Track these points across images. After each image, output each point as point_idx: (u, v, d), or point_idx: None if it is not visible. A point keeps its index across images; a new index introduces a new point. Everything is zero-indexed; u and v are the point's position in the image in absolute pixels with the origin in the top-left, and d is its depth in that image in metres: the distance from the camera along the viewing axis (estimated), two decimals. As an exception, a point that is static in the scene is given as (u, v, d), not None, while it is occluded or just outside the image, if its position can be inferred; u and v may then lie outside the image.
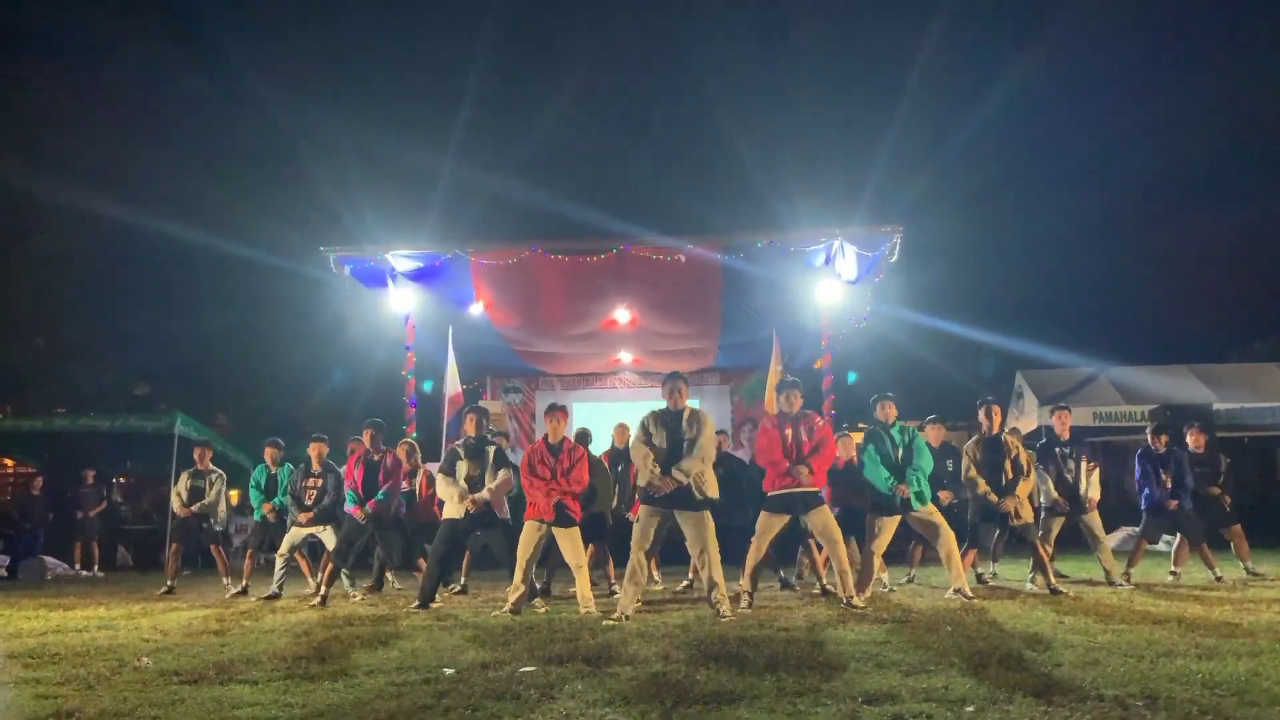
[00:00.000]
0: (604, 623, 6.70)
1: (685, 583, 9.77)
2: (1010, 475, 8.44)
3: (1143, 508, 9.66)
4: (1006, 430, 9.25)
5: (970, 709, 3.76)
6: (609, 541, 9.85)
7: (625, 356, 18.39)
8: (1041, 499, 9.14)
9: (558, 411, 8.19)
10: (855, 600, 7.30)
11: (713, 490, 7.22)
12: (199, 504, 10.83)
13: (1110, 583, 8.75)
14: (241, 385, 24.66)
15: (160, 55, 27.53)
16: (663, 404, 7.52)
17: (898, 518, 7.94)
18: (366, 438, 9.54)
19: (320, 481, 9.67)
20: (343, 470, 9.58)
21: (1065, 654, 4.87)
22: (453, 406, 15.22)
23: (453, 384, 15.31)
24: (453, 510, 8.19)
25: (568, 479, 7.78)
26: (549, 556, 9.00)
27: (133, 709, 4.10)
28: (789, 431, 7.55)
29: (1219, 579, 9.07)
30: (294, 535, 9.67)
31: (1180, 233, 26.55)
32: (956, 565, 7.87)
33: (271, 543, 10.57)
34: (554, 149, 30.36)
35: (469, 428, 8.44)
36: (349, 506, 9.34)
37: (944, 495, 8.96)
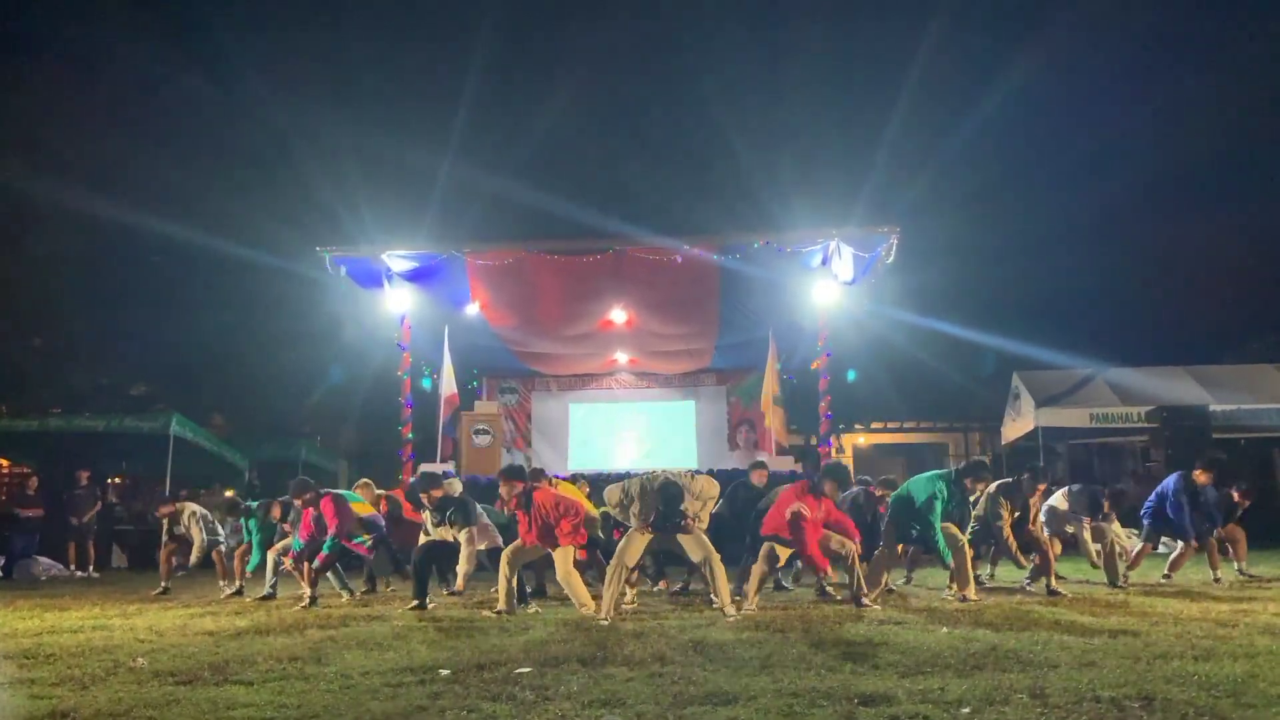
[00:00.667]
0: (596, 621, 6.74)
1: (680, 584, 9.77)
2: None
3: (1142, 515, 9.68)
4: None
5: (966, 710, 3.76)
6: (601, 546, 9.85)
7: (622, 357, 18.38)
8: (1043, 513, 9.11)
9: (513, 480, 8.06)
10: (865, 600, 7.47)
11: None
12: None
13: (1111, 585, 8.75)
14: (238, 386, 24.60)
15: (156, 55, 27.46)
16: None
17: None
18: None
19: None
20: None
21: (1061, 655, 4.87)
22: (448, 407, 15.22)
23: (448, 384, 15.30)
24: (437, 535, 8.53)
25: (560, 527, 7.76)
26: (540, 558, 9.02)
27: (128, 709, 4.09)
28: (819, 514, 7.63)
29: (1217, 580, 9.08)
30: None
31: (1177, 234, 26.55)
32: (968, 572, 7.93)
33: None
34: (550, 149, 30.33)
35: (426, 501, 8.66)
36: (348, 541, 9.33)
37: None
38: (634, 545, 7.36)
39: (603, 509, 9.50)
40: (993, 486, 8.59)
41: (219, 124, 29.10)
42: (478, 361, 18.48)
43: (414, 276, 14.13)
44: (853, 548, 7.64)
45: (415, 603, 8.10)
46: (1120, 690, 4.02)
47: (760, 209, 24.63)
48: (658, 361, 18.61)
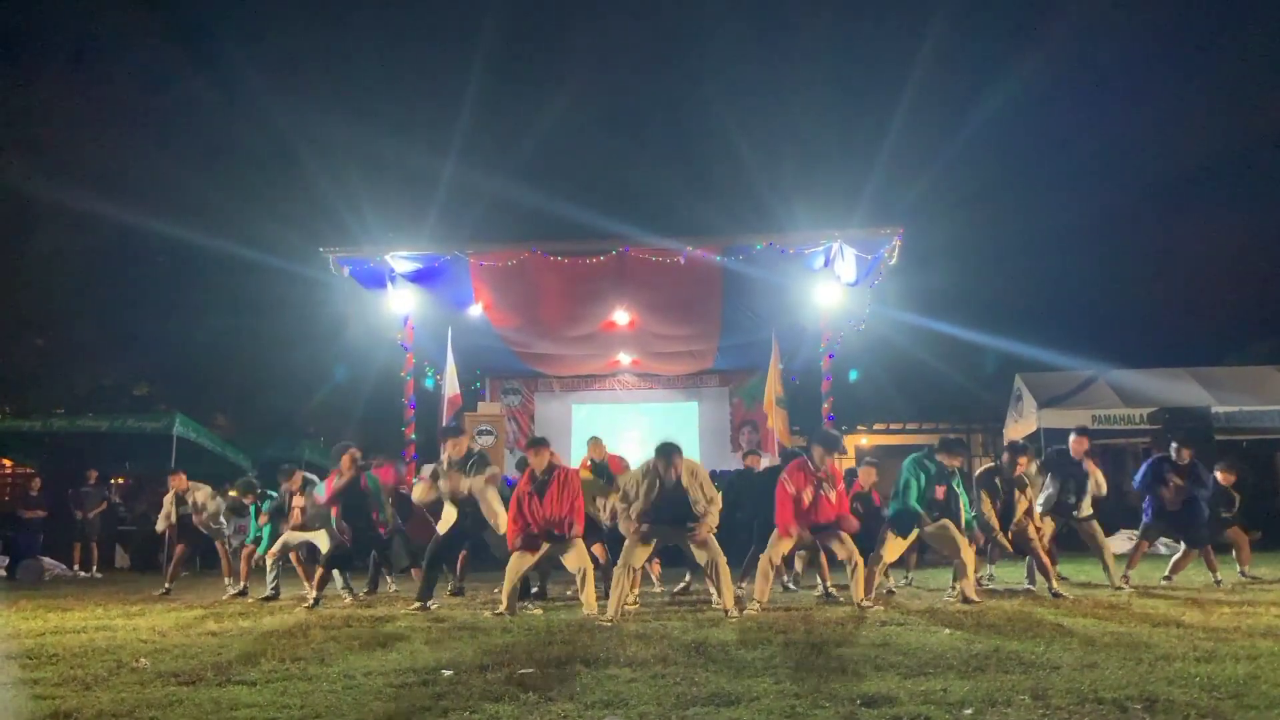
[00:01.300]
0: (598, 622, 6.74)
1: (683, 584, 9.77)
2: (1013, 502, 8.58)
3: (1145, 510, 9.68)
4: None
5: (969, 711, 3.76)
6: (605, 544, 9.85)
7: (624, 358, 18.39)
8: (1040, 502, 9.12)
9: (541, 448, 8.12)
10: (864, 601, 7.49)
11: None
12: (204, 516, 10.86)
13: (1113, 586, 8.74)
14: (241, 386, 24.66)
15: (159, 55, 27.53)
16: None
17: (908, 541, 8.12)
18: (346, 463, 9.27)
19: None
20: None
21: (1063, 656, 4.87)
22: (451, 408, 15.21)
23: (451, 385, 15.30)
24: (450, 517, 8.32)
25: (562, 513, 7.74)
26: (542, 560, 9.02)
27: (130, 710, 4.10)
28: (808, 493, 7.65)
29: (1218, 582, 9.07)
30: (288, 538, 9.66)
31: (1179, 235, 26.55)
32: (970, 573, 7.89)
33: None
34: (553, 150, 30.36)
35: (452, 451, 8.44)
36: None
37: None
38: (640, 547, 7.36)
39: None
40: (979, 473, 8.67)
41: (223, 125, 29.15)
42: (481, 362, 18.48)
43: (417, 277, 14.13)
44: (855, 553, 7.63)
45: (418, 604, 8.08)
46: (1122, 692, 4.02)
47: (763, 210, 24.68)
48: (660, 363, 18.61)
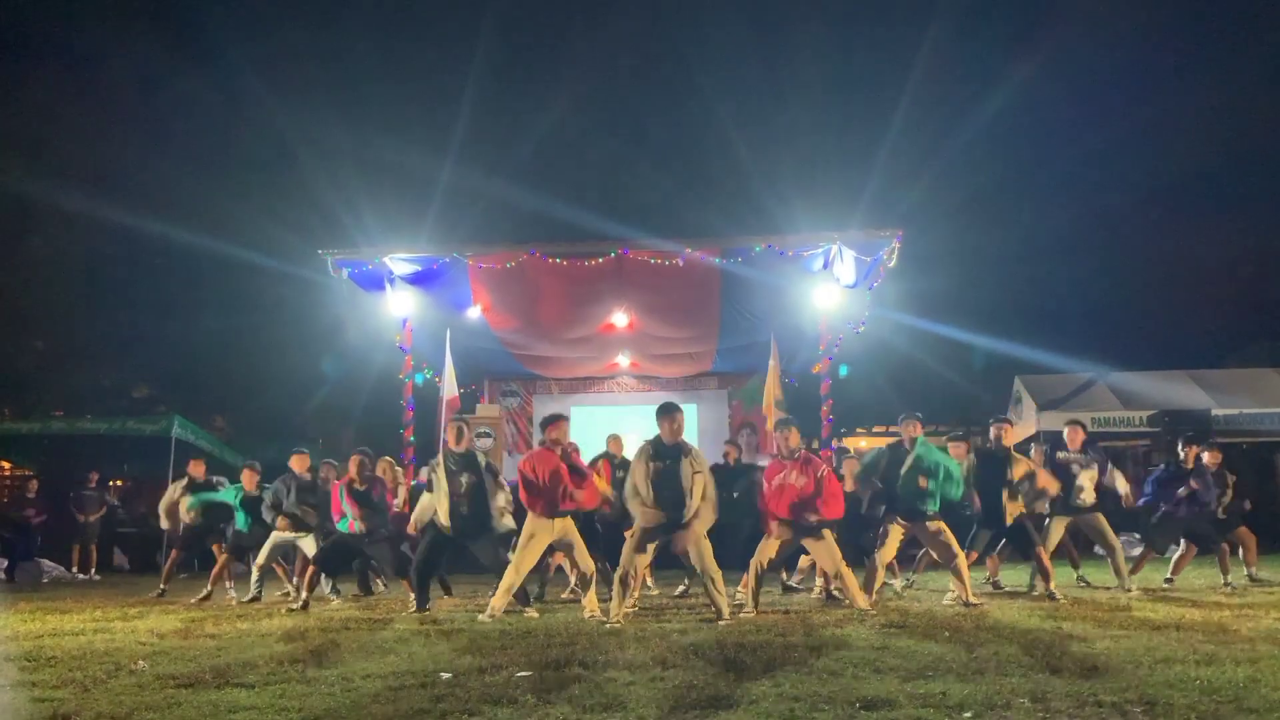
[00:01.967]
0: (604, 626, 6.71)
1: (681, 588, 9.76)
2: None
3: (1153, 518, 9.68)
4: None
5: (968, 715, 3.76)
6: (601, 547, 9.85)
7: (623, 360, 18.37)
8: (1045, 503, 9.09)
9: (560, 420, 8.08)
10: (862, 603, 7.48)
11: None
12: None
13: (1123, 588, 8.70)
14: (239, 388, 24.60)
15: (159, 57, 27.56)
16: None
17: (903, 529, 8.04)
18: (353, 466, 9.29)
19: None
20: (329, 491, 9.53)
21: (1063, 660, 4.86)
22: (450, 410, 15.20)
23: (450, 387, 15.29)
24: (442, 519, 8.15)
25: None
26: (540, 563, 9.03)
27: (129, 712, 4.10)
28: (793, 476, 7.60)
29: (1228, 584, 9.06)
30: (275, 540, 9.63)
31: (1179, 238, 26.58)
32: (965, 577, 7.86)
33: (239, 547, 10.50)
34: (552, 152, 30.39)
35: (452, 441, 8.35)
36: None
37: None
38: (642, 549, 7.25)
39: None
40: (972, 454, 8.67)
41: (222, 127, 29.19)
42: (479, 364, 18.46)
43: (416, 280, 14.13)
44: (839, 562, 7.59)
45: (415, 607, 8.10)
46: (1122, 695, 4.02)
47: (762, 212, 24.70)
48: (659, 365, 18.59)
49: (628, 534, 7.44)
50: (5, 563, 14.12)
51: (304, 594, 8.83)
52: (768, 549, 7.68)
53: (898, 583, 9.44)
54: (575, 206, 19.53)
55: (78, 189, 21.87)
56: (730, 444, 11.02)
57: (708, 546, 7.20)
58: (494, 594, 7.67)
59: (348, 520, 9.06)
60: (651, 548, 7.26)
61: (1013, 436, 9.01)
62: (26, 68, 24.95)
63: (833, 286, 13.80)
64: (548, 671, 4.85)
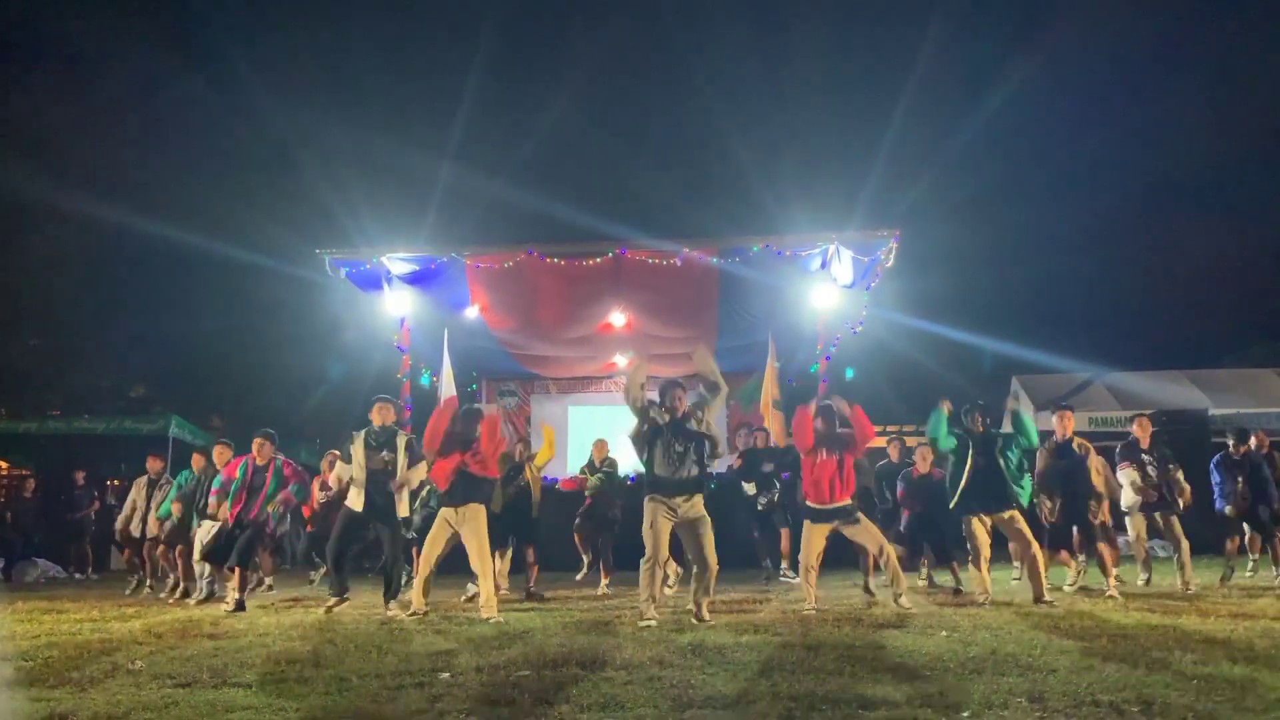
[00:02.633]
0: (640, 623, 6.63)
1: (676, 587, 9.75)
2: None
3: (1218, 509, 9.69)
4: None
5: (965, 714, 3.76)
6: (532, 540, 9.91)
7: (621, 360, 18.35)
8: (1122, 501, 9.06)
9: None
10: (903, 600, 7.41)
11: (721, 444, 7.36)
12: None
13: (1185, 587, 8.61)
14: (237, 388, 24.60)
15: (157, 57, 27.52)
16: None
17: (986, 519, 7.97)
18: (255, 449, 9.26)
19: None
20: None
21: (1060, 660, 4.86)
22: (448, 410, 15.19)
23: (448, 387, 15.28)
24: (354, 502, 8.09)
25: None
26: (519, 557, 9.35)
27: (126, 712, 4.09)
28: (831, 459, 7.64)
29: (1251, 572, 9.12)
30: (205, 534, 9.50)
31: (1177, 238, 26.63)
32: (1039, 571, 7.79)
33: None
34: (550, 152, 30.38)
35: (375, 417, 8.28)
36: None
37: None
38: (663, 537, 6.93)
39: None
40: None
41: (219, 126, 29.16)
42: (477, 364, 18.45)
43: (414, 279, 14.11)
44: (891, 551, 7.59)
45: (334, 600, 8.05)
46: (1119, 694, 4.02)
47: (760, 212, 24.72)
48: (657, 364, 18.51)
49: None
50: (2, 562, 14.12)
51: (236, 593, 8.72)
52: (813, 542, 7.65)
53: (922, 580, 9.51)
54: (573, 206, 19.50)
55: (76, 188, 21.88)
56: (759, 430, 11.07)
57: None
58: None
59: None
60: (670, 526, 6.99)
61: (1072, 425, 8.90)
62: (26, 67, 24.94)
63: (830, 286, 13.79)
64: (546, 671, 4.84)
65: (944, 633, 5.98)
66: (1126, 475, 8.94)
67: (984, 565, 7.93)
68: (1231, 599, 7.90)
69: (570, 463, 18.08)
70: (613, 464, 10.74)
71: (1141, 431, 9.26)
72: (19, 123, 23.26)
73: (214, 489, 9.29)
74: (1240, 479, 9.48)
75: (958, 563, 9.08)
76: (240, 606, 8.47)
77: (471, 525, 7.67)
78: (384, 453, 8.13)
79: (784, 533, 9.94)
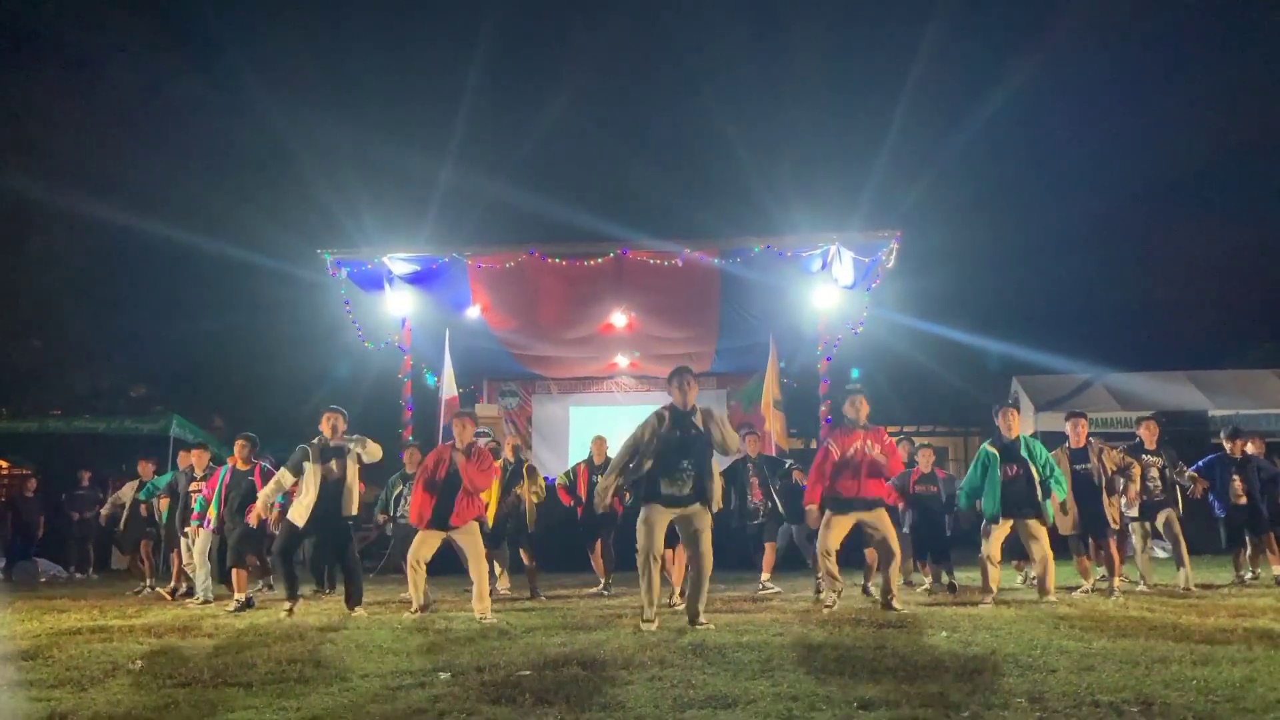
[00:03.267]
0: (641, 624, 6.48)
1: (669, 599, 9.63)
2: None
3: (1218, 515, 9.71)
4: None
5: (965, 714, 3.76)
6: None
7: (622, 360, 18.37)
8: (1122, 505, 9.05)
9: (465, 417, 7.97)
10: (895, 603, 7.28)
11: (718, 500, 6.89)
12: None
13: (1185, 587, 8.60)
14: (238, 388, 24.61)
15: (157, 57, 27.54)
16: (657, 406, 7.36)
17: (1008, 524, 7.92)
18: (238, 450, 9.27)
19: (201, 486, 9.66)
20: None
21: (1060, 660, 4.86)
22: (449, 410, 15.21)
23: (449, 387, 15.30)
24: (296, 515, 8.01)
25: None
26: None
27: (126, 712, 4.09)
28: (854, 450, 7.52)
29: (1255, 576, 9.11)
30: (203, 547, 9.53)
31: (1178, 239, 26.62)
32: (1050, 574, 7.78)
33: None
34: (552, 153, 30.38)
35: (327, 431, 8.16)
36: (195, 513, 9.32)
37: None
38: (657, 531, 6.59)
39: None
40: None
41: (220, 126, 29.18)
42: (478, 364, 18.46)
43: (415, 279, 14.14)
44: (896, 549, 7.46)
45: (288, 605, 7.95)
46: (1119, 695, 4.02)
47: (761, 213, 24.70)
48: (658, 365, 18.55)
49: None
50: (3, 562, 14.13)
51: (239, 595, 8.75)
52: (832, 534, 7.51)
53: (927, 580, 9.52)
54: (574, 207, 19.50)
55: (76, 188, 21.90)
56: (751, 434, 11.00)
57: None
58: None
59: (202, 504, 9.18)
60: (666, 520, 6.69)
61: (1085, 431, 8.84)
62: (25, 67, 24.95)
63: (831, 287, 13.82)
64: (546, 671, 4.84)
65: (944, 633, 5.98)
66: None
67: (996, 568, 7.94)
68: (1231, 599, 7.90)
69: (571, 464, 18.08)
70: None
71: (1148, 434, 9.28)
72: (19, 122, 23.28)
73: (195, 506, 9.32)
74: (1238, 479, 9.48)
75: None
76: (246, 604, 8.54)
77: (467, 540, 7.66)
78: (332, 463, 8.03)
79: (769, 546, 9.80)
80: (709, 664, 4.95)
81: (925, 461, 9.58)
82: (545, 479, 11.01)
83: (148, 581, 11.05)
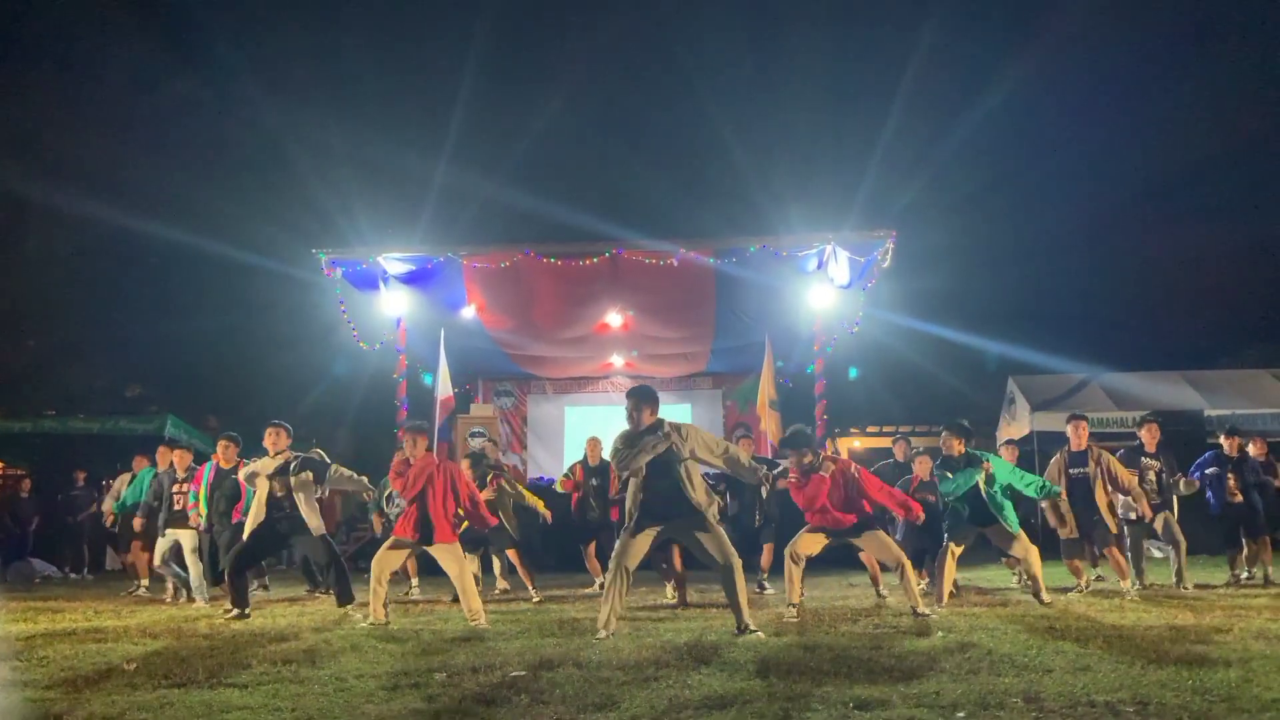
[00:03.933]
0: (596, 635, 6.23)
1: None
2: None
3: (1214, 512, 9.69)
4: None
5: (961, 715, 3.77)
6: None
7: (618, 360, 18.37)
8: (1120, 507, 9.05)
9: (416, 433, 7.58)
10: (921, 608, 7.01)
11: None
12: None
13: (1180, 587, 8.63)
14: (233, 387, 24.57)
15: (152, 57, 27.48)
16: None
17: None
18: (221, 450, 9.21)
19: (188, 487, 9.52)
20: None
21: (1056, 660, 4.87)
22: (444, 410, 15.20)
23: (444, 387, 15.29)
24: (249, 526, 7.88)
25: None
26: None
27: (121, 712, 4.09)
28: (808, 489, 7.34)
29: (1250, 576, 9.14)
30: (162, 544, 9.47)
31: (1173, 239, 26.64)
32: (1039, 576, 7.73)
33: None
34: (546, 152, 30.34)
35: (268, 443, 7.98)
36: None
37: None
38: (635, 544, 6.27)
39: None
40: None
41: (214, 126, 29.10)
42: (474, 364, 18.46)
43: (410, 279, 14.13)
44: (909, 564, 7.27)
45: (235, 611, 7.72)
46: (1114, 695, 4.03)
47: (756, 213, 24.71)
48: (654, 365, 18.60)
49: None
50: (-3, 562, 14.10)
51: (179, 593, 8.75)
52: (804, 541, 7.36)
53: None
54: (570, 206, 19.49)
55: (71, 188, 21.87)
56: (745, 436, 10.98)
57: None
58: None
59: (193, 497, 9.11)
60: (649, 540, 6.39)
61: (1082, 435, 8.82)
62: (22, 67, 24.91)
63: (827, 287, 13.83)
64: (542, 671, 4.84)
65: (940, 633, 5.99)
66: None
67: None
68: (1227, 599, 7.91)
69: (567, 465, 18.07)
70: (604, 465, 10.52)
71: (1149, 436, 9.29)
72: (15, 122, 23.25)
73: (188, 500, 9.27)
74: (1233, 478, 9.50)
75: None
76: (242, 614, 8.45)
77: (447, 556, 7.29)
78: (280, 478, 7.84)
79: (767, 548, 9.73)
80: (705, 664, 4.95)
81: (923, 469, 9.56)
82: (542, 479, 11.01)
83: (142, 582, 11.02)
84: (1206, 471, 9.69)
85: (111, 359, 24.37)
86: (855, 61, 37.91)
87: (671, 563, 8.65)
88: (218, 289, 24.31)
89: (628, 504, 6.43)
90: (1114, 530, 8.46)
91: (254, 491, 8.02)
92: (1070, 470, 8.66)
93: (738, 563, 6.24)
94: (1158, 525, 9.01)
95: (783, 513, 9.54)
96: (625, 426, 6.63)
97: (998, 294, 26.70)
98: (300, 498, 7.81)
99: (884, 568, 8.47)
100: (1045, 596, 7.63)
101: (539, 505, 10.00)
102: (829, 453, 7.91)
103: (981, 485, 7.69)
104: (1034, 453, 15.39)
